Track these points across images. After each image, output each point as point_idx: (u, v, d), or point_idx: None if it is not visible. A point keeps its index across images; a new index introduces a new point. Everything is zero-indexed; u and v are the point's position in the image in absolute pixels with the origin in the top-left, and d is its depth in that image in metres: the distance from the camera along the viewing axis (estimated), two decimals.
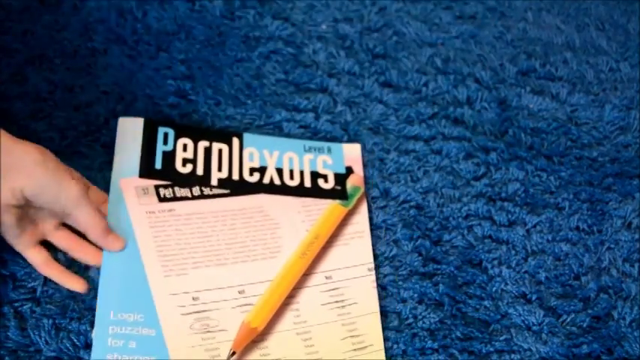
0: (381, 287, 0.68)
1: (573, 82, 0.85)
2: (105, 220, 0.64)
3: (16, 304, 0.62)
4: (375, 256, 0.69)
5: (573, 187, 0.76)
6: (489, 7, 0.91)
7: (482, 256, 0.70)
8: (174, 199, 0.69)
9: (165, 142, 0.71)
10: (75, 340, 0.61)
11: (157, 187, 0.69)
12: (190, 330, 0.62)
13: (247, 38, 0.83)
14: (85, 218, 0.62)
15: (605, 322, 0.68)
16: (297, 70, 0.81)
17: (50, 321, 0.61)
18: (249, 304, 0.64)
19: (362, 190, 0.73)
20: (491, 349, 0.65)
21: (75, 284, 0.63)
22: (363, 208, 0.72)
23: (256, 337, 0.62)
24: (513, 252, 0.71)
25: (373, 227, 0.71)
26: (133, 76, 0.78)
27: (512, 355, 0.65)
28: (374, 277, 0.68)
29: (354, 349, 0.64)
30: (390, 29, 0.87)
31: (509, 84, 0.84)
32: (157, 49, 0.80)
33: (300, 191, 0.72)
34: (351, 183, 0.73)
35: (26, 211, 0.61)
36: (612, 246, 0.72)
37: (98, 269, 0.63)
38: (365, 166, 0.75)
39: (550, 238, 0.72)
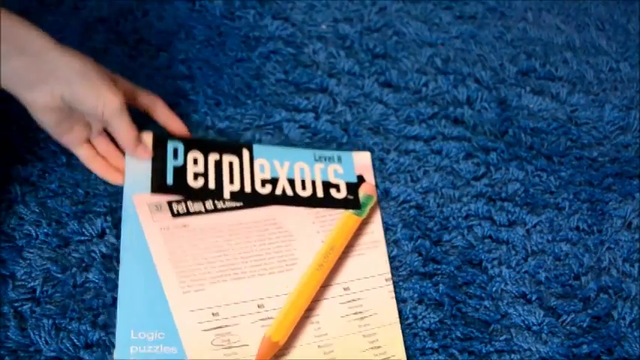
0: None
1: (573, 82, 0.85)
2: (136, 131, 0.67)
3: (16, 304, 0.62)
4: None
5: (573, 187, 0.76)
6: (489, 7, 0.91)
7: (482, 256, 0.70)
8: (188, 214, 0.68)
9: (176, 157, 0.71)
10: (75, 340, 0.61)
11: (169, 203, 0.68)
12: (212, 346, 0.62)
13: (247, 38, 0.83)
14: (118, 130, 0.66)
15: (605, 322, 0.68)
16: (297, 70, 0.81)
17: (50, 321, 0.62)
18: (269, 318, 0.64)
19: (374, 198, 0.73)
20: (491, 349, 0.65)
21: (116, 178, 0.69)
22: (377, 217, 0.72)
23: (278, 352, 0.62)
24: (513, 252, 0.71)
25: None
26: (133, 76, 0.78)
27: (512, 355, 0.65)
28: (392, 287, 0.67)
29: None
30: (390, 29, 0.87)
31: (509, 84, 0.84)
32: (157, 49, 0.80)
33: (312, 201, 0.71)
34: (363, 192, 0.73)
35: (72, 113, 0.65)
36: (612, 246, 0.72)
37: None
38: None
39: (550, 238, 0.72)
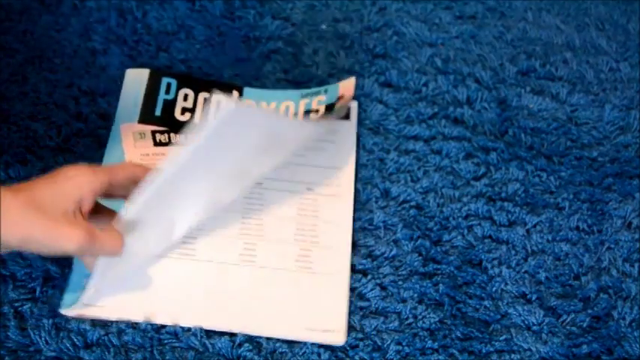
0: (381, 287, 0.68)
1: (573, 82, 0.85)
2: (115, 232, 0.58)
3: (16, 304, 0.62)
4: (375, 257, 0.69)
5: (573, 187, 0.76)
6: (489, 7, 0.91)
7: (482, 256, 0.70)
8: (169, 144, 0.72)
9: (168, 92, 0.75)
10: (75, 340, 0.61)
11: (153, 132, 0.72)
12: None
13: (247, 38, 0.83)
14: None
15: (605, 322, 0.68)
16: (297, 70, 0.81)
17: (50, 321, 0.62)
18: None
19: (349, 104, 0.76)
20: (491, 349, 0.65)
21: None
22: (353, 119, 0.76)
23: None
24: (513, 252, 0.71)
25: (373, 227, 0.71)
26: None
27: (512, 355, 0.65)
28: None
29: None
30: (390, 29, 0.87)
31: (509, 84, 0.84)
32: (156, 49, 0.80)
33: None
34: (339, 105, 0.76)
35: None
36: (612, 246, 0.72)
37: None
38: (365, 165, 0.75)
39: (550, 238, 0.72)
